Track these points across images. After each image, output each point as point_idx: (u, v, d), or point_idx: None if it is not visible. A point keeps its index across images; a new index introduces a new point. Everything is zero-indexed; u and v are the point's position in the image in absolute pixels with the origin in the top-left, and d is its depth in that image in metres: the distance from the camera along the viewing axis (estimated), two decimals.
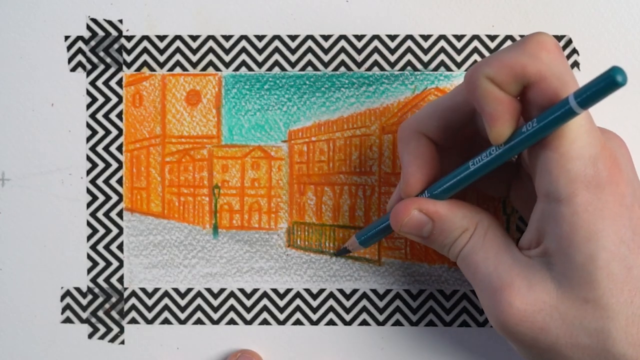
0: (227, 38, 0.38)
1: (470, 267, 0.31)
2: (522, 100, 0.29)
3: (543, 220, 0.29)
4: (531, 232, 0.30)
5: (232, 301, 0.39)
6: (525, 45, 0.28)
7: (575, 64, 0.38)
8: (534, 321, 0.29)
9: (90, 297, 0.39)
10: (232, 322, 0.39)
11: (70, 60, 0.39)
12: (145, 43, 0.38)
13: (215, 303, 0.39)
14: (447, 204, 0.31)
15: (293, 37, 0.38)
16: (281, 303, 0.39)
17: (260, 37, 0.38)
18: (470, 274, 0.31)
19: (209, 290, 0.39)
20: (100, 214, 0.39)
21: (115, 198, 0.39)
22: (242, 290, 0.39)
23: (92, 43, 0.38)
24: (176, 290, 0.39)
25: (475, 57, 0.38)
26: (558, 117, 0.27)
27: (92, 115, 0.39)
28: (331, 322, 0.38)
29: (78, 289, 0.39)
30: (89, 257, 0.39)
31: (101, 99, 0.39)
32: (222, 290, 0.39)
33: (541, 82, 0.27)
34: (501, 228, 0.32)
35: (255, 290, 0.39)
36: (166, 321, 0.39)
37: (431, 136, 0.32)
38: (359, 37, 0.38)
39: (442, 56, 0.38)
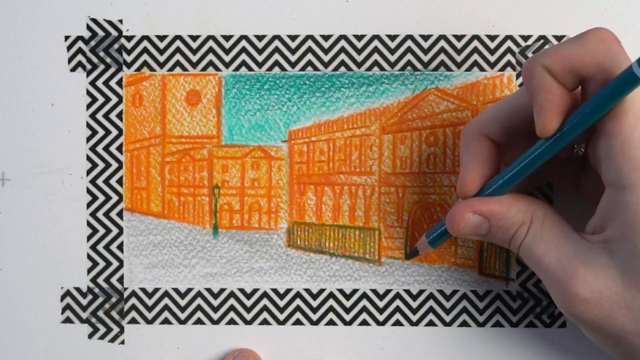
0: (227, 38, 0.38)
1: (533, 259, 0.31)
2: (581, 95, 0.29)
3: (608, 208, 0.29)
4: (596, 219, 0.30)
5: (232, 301, 0.39)
6: (584, 38, 0.28)
7: None
8: (600, 309, 0.29)
9: (90, 297, 0.39)
10: (232, 322, 0.39)
11: (70, 60, 0.39)
12: (145, 43, 0.38)
13: (215, 303, 0.39)
14: (501, 201, 0.32)
15: (293, 37, 0.38)
16: (281, 303, 0.39)
17: (260, 37, 0.38)
18: (534, 266, 0.31)
19: (209, 290, 0.39)
20: (100, 214, 0.39)
21: (115, 198, 0.39)
22: (242, 290, 0.39)
23: (92, 43, 0.38)
24: (176, 290, 0.39)
25: (475, 57, 0.38)
26: (620, 84, 0.27)
27: (92, 115, 0.39)
28: (331, 322, 0.38)
29: (78, 289, 0.39)
30: (89, 257, 0.39)
31: (101, 99, 0.39)
32: (222, 290, 0.39)
33: (599, 76, 0.28)
34: (558, 216, 0.32)
35: (255, 290, 0.39)
36: (166, 321, 0.39)
37: (493, 137, 0.33)
38: (359, 37, 0.38)
39: (442, 56, 0.38)
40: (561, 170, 0.34)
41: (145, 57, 0.38)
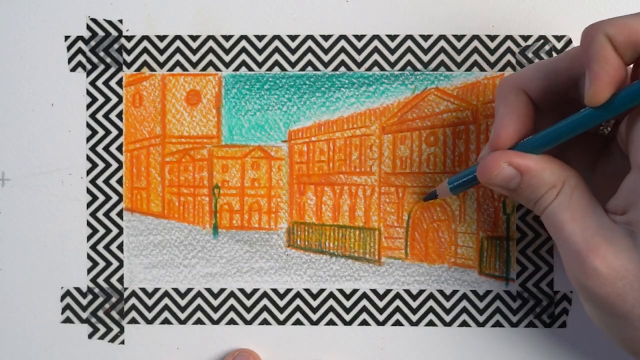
0: (227, 38, 0.38)
1: (556, 225, 0.31)
2: (632, 73, 0.29)
3: (634, 190, 0.29)
4: (619, 199, 0.30)
5: (232, 301, 0.39)
6: None
7: None
8: (614, 287, 0.29)
9: (90, 297, 0.39)
10: (232, 322, 0.39)
11: (70, 60, 0.39)
12: (145, 43, 0.38)
13: (215, 303, 0.39)
14: (537, 159, 0.31)
15: (293, 37, 0.38)
16: (281, 303, 0.39)
17: (260, 37, 0.38)
18: (554, 232, 0.31)
19: (209, 290, 0.39)
20: (100, 214, 0.39)
21: (115, 198, 0.39)
22: (242, 290, 0.39)
23: (92, 43, 0.38)
24: (176, 290, 0.39)
25: (475, 57, 0.38)
26: None
27: (92, 115, 0.39)
28: (331, 322, 0.38)
29: (78, 289, 0.39)
30: (89, 257, 0.39)
31: (101, 99, 0.39)
32: (222, 290, 0.39)
33: None
34: (588, 189, 0.31)
35: (255, 290, 0.39)
36: (166, 321, 0.39)
37: (531, 95, 0.32)
38: (359, 37, 0.38)
39: (442, 56, 0.38)
40: (582, 146, 0.33)
41: (145, 57, 0.38)
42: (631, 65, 0.30)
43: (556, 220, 0.31)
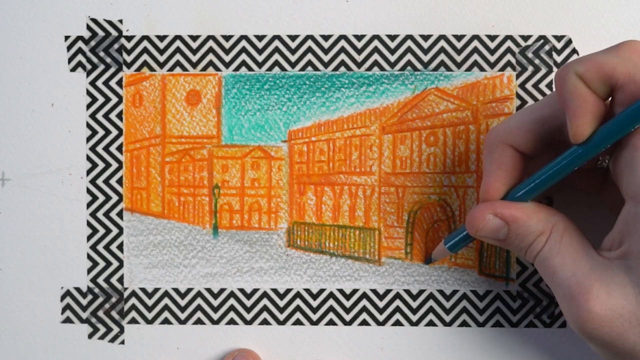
0: (227, 38, 0.38)
1: (548, 271, 0.31)
2: (611, 103, 0.29)
3: (627, 222, 0.29)
4: (614, 234, 0.30)
5: (232, 301, 0.39)
6: (618, 48, 0.29)
7: None
8: (612, 327, 0.29)
9: (90, 297, 0.39)
10: (232, 322, 0.39)
11: (70, 60, 0.39)
12: (145, 43, 0.38)
13: (215, 303, 0.39)
14: (523, 208, 0.31)
15: (293, 37, 0.38)
16: (281, 303, 0.39)
17: (260, 37, 0.38)
18: (548, 278, 0.31)
19: (209, 290, 0.39)
20: (100, 214, 0.39)
21: (115, 198, 0.39)
22: (242, 290, 0.39)
23: (92, 43, 0.38)
24: (176, 290, 0.39)
25: (475, 57, 0.38)
26: None
27: (92, 115, 0.39)
28: (331, 322, 0.39)
29: (78, 289, 0.39)
30: (89, 257, 0.39)
31: (101, 99, 0.39)
32: (222, 290, 0.39)
33: (630, 84, 0.28)
34: (578, 230, 0.31)
35: (255, 290, 0.39)
36: (166, 321, 0.39)
37: (518, 147, 0.32)
38: (359, 37, 0.38)
39: (442, 56, 0.38)
40: (584, 182, 0.34)
41: (145, 57, 0.38)
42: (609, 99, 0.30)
43: (548, 266, 0.31)
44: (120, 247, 0.39)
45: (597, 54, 0.29)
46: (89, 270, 0.39)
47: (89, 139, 0.39)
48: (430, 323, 0.38)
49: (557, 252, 0.31)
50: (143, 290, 0.39)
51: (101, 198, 0.39)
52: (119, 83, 0.39)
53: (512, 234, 0.32)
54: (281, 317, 0.39)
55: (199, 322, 0.39)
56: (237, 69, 0.38)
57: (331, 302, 0.38)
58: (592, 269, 0.29)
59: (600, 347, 0.30)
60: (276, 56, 0.38)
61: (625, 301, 0.28)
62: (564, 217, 0.32)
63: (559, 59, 0.38)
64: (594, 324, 0.29)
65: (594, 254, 0.30)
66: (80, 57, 0.39)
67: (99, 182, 0.39)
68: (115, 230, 0.39)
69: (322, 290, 0.39)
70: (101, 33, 0.38)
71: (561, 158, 0.30)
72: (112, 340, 0.39)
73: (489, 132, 0.33)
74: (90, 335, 0.39)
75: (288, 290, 0.39)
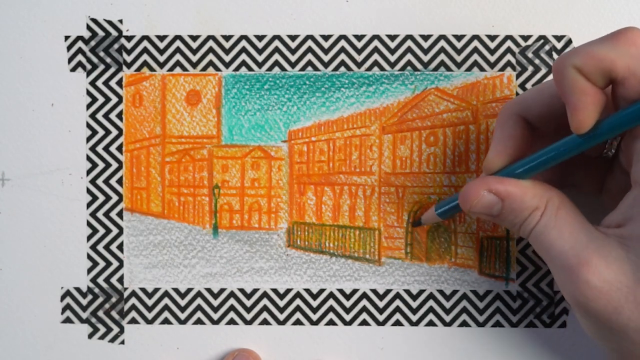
0: (227, 38, 0.38)
1: (544, 244, 0.31)
2: (612, 94, 0.29)
3: (633, 206, 0.29)
4: (615, 215, 0.30)
5: (232, 301, 0.39)
6: (616, 39, 0.28)
7: None
8: (609, 299, 0.29)
9: (90, 297, 0.39)
10: (232, 322, 0.39)
11: (70, 60, 0.39)
12: (145, 43, 0.38)
13: (215, 303, 0.39)
14: (518, 184, 0.31)
15: (293, 37, 0.38)
16: (281, 303, 0.39)
17: (260, 37, 0.38)
18: (543, 252, 0.31)
19: (209, 290, 0.39)
20: (100, 214, 0.39)
21: (115, 198, 0.39)
22: (242, 290, 0.39)
23: (92, 43, 0.38)
24: (176, 290, 0.39)
25: (475, 57, 0.38)
26: None
27: (92, 115, 0.39)
28: (331, 322, 0.39)
29: (78, 289, 0.39)
30: (89, 257, 0.39)
31: (101, 99, 0.39)
32: (222, 290, 0.39)
33: (631, 78, 0.28)
34: (573, 205, 0.31)
35: (255, 290, 0.39)
36: (166, 321, 0.39)
37: (531, 120, 0.32)
38: (359, 37, 0.38)
39: (442, 56, 0.38)
40: (588, 169, 0.34)
41: (145, 57, 0.38)
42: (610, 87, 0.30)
43: (544, 240, 0.31)
44: (120, 247, 0.39)
45: (594, 45, 0.29)
46: (89, 270, 0.39)
47: (89, 139, 0.39)
48: (430, 323, 0.38)
49: (552, 225, 0.31)
50: (143, 290, 0.39)
51: (101, 198, 0.39)
52: (119, 83, 0.39)
53: (507, 209, 0.31)
54: (281, 317, 0.39)
55: (199, 322, 0.39)
56: (237, 69, 0.38)
57: (331, 302, 0.38)
58: (590, 241, 0.30)
59: (593, 321, 0.30)
60: (276, 56, 0.38)
61: (622, 276, 0.29)
62: (558, 193, 0.31)
63: None
64: (591, 295, 0.29)
65: (591, 228, 0.30)
66: (80, 57, 0.39)
67: (99, 182, 0.39)
68: (115, 230, 0.39)
69: (322, 290, 0.39)
70: (101, 33, 0.38)
71: (563, 142, 0.30)
72: (112, 340, 0.39)
73: (505, 104, 0.33)
74: (90, 335, 0.39)
75: (288, 290, 0.39)
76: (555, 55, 0.38)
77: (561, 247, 0.30)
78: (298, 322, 0.39)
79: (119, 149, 0.39)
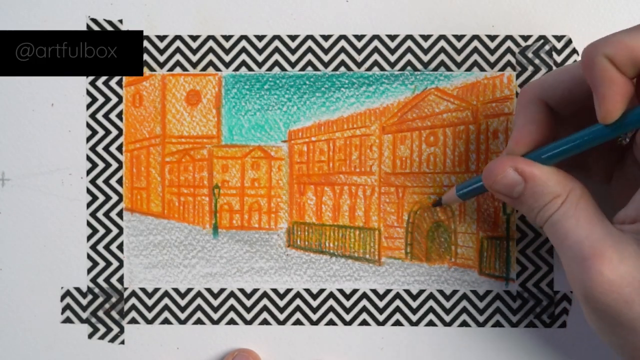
0: (227, 38, 0.38)
1: (559, 233, 0.31)
2: (638, 85, 0.29)
3: None
4: (629, 210, 0.30)
5: (232, 301, 0.39)
6: None
7: None
8: (621, 293, 0.29)
9: (90, 297, 0.39)
10: (232, 322, 0.39)
11: None
12: (145, 43, 0.38)
13: (215, 303, 0.39)
14: (543, 168, 0.31)
15: (293, 37, 0.38)
16: (281, 303, 0.39)
17: (260, 37, 0.38)
18: (558, 241, 0.31)
19: (209, 290, 0.39)
20: (100, 214, 0.39)
21: (115, 198, 0.39)
22: (242, 290, 0.39)
23: None
24: (176, 290, 0.39)
25: (475, 57, 0.38)
26: None
27: (92, 116, 0.39)
28: (331, 322, 0.38)
29: (78, 289, 0.39)
30: (89, 257, 0.39)
31: (101, 99, 0.39)
32: (222, 290, 0.39)
33: None
34: (593, 200, 0.31)
35: (255, 290, 0.39)
36: (166, 321, 0.39)
37: (552, 104, 0.32)
38: (359, 37, 0.38)
39: (442, 56, 0.38)
40: (600, 155, 0.34)
41: (145, 57, 0.38)
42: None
43: (560, 228, 0.31)
44: (120, 247, 0.39)
45: (624, 35, 0.28)
46: (89, 270, 0.39)
47: (89, 139, 0.39)
48: (430, 323, 0.38)
49: (571, 215, 0.30)
50: (143, 290, 0.39)
51: (101, 198, 0.39)
52: (119, 83, 0.39)
53: (528, 192, 0.31)
54: (281, 317, 0.39)
55: (199, 322, 0.39)
56: (237, 69, 0.38)
57: (331, 302, 0.38)
58: (606, 235, 0.29)
59: (600, 314, 0.30)
60: (276, 56, 0.38)
61: (636, 271, 0.28)
62: (581, 185, 0.31)
63: (559, 59, 0.38)
64: (603, 288, 0.29)
65: (608, 223, 0.30)
66: None
67: (99, 182, 0.39)
68: (115, 230, 0.39)
69: (322, 290, 0.39)
70: None
71: (589, 130, 0.30)
72: (112, 340, 0.39)
73: (525, 86, 0.33)
74: (90, 335, 0.39)
75: (288, 290, 0.39)
76: (555, 55, 0.38)
77: (577, 236, 0.30)
78: (298, 322, 0.39)
79: (119, 149, 0.39)
